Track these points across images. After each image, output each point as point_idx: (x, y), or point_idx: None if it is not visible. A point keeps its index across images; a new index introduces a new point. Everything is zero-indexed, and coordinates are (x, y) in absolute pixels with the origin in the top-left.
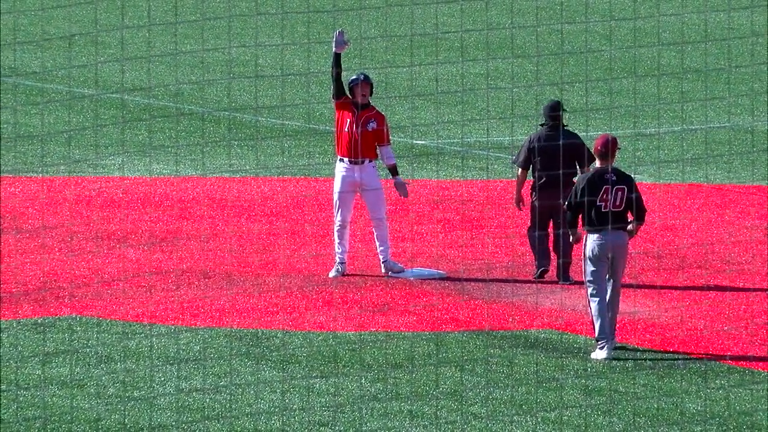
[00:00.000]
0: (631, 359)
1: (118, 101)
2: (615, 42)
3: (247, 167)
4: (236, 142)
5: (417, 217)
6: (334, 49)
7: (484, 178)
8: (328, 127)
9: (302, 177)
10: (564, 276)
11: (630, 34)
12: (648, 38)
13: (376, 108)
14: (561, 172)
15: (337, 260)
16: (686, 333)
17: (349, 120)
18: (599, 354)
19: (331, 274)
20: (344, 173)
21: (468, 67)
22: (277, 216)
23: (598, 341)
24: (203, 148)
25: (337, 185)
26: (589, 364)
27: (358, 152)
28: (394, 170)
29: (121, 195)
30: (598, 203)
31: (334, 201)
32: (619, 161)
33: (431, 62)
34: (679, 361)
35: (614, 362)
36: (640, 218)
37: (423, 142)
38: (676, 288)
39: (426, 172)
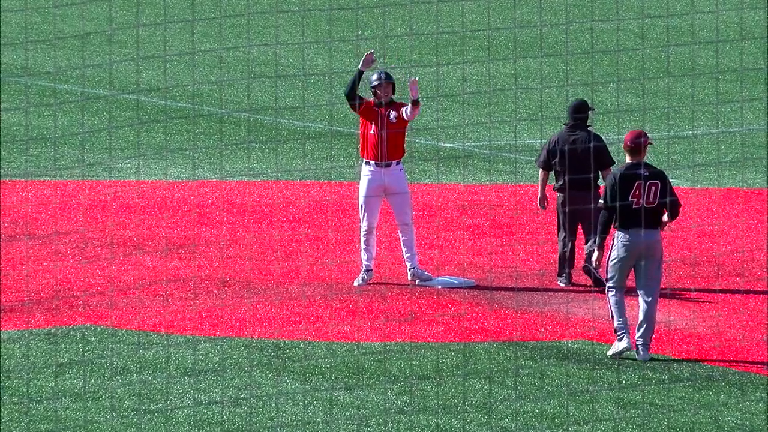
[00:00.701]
0: (667, 371)
1: (133, 102)
2: (649, 41)
3: (268, 171)
4: (256, 145)
5: (444, 223)
6: (360, 66)
7: (514, 182)
8: (351, 129)
9: (325, 181)
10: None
11: (664, 32)
12: (683, 37)
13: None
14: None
15: (363, 267)
16: (724, 343)
17: (373, 121)
18: (618, 345)
19: (356, 282)
20: (370, 176)
21: (497, 67)
22: (298, 222)
23: (616, 332)
24: (222, 150)
25: (362, 189)
26: (623, 376)
27: (384, 154)
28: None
29: (137, 200)
30: (630, 199)
31: (360, 206)
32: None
33: (458, 62)
34: (717, 373)
35: (649, 374)
36: (674, 214)
37: (450, 144)
38: (713, 296)
39: (453, 176)
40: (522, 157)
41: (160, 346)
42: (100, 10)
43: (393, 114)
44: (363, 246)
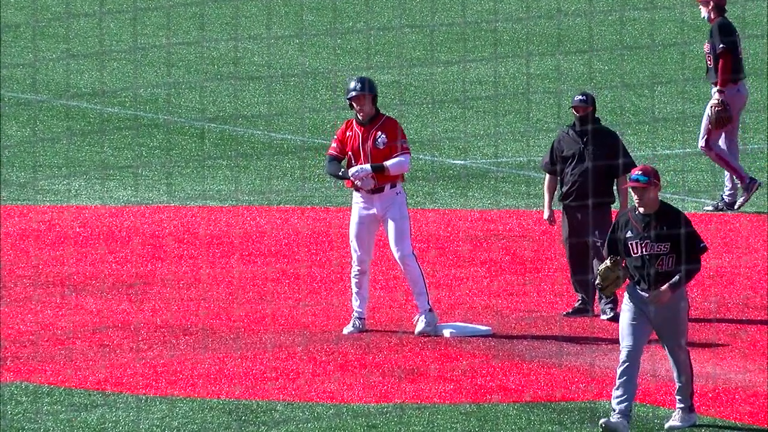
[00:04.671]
0: None
1: (73, 109)
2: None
3: (237, 194)
4: (224, 162)
5: (455, 258)
6: (348, 175)
7: (539, 207)
8: None
9: (307, 206)
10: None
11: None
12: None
13: (386, 115)
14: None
15: (355, 314)
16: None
17: (356, 143)
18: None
19: (346, 330)
20: (360, 205)
21: (518, 66)
22: (275, 256)
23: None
24: (181, 169)
25: (352, 223)
26: None
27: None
28: (380, 170)
29: (76, 229)
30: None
31: (351, 242)
32: (705, 185)
33: (470, 59)
34: None
35: None
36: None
37: (460, 162)
38: None
39: (465, 201)
40: None
41: (105, 408)
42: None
43: (381, 138)
44: (354, 289)
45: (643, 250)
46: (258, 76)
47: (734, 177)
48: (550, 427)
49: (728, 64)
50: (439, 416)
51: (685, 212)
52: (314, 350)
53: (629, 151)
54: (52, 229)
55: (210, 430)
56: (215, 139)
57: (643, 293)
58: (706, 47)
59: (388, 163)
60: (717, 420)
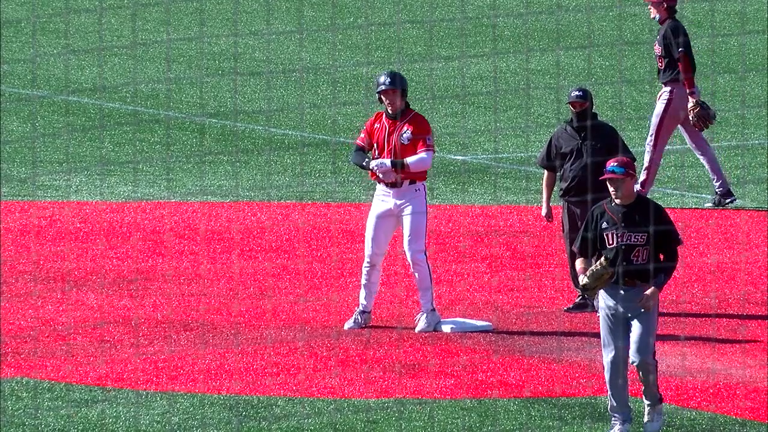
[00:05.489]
0: None
1: (73, 104)
2: (712, 29)
3: (239, 189)
4: (225, 157)
5: (456, 253)
6: (370, 168)
7: (540, 203)
8: (340, 139)
9: (309, 202)
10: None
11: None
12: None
13: (415, 111)
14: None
15: (359, 308)
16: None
17: (382, 135)
18: None
19: (347, 325)
20: (380, 199)
21: (519, 62)
22: (276, 252)
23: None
24: (183, 164)
25: (370, 215)
26: None
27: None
28: (400, 166)
29: (77, 224)
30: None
31: (365, 233)
32: (705, 180)
33: (472, 54)
34: None
35: None
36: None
37: (461, 157)
38: None
39: (466, 196)
40: None
41: (106, 403)
42: None
43: (407, 134)
44: (363, 280)
45: (620, 240)
46: (258, 71)
47: (713, 169)
48: (550, 423)
49: (688, 65)
50: (439, 411)
51: (686, 208)
52: (315, 346)
53: (630, 147)
54: (53, 224)
55: (210, 425)
56: (215, 134)
57: (619, 289)
58: (657, 49)
59: (408, 159)
60: (717, 416)
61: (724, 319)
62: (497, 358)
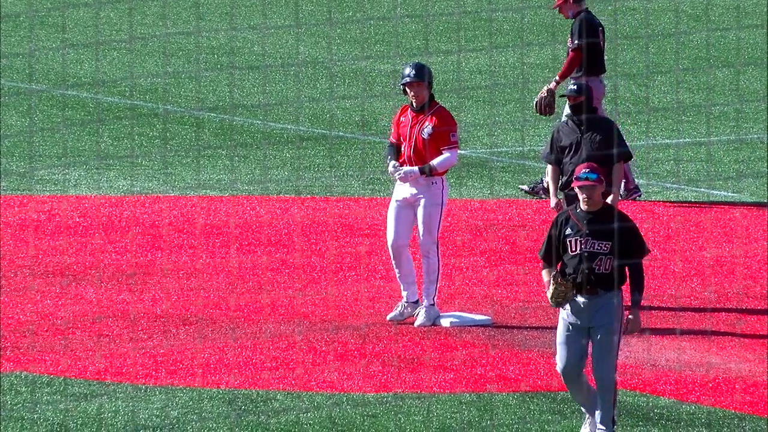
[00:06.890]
0: (726, 427)
1: (71, 98)
2: (710, 24)
3: (238, 183)
4: (223, 152)
5: (454, 247)
6: (400, 173)
7: (543, 197)
8: (340, 133)
9: (307, 196)
10: None
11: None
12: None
13: (440, 104)
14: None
15: (403, 297)
16: None
17: (405, 128)
18: None
19: (388, 316)
20: (398, 187)
21: (517, 56)
22: (275, 246)
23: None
24: (181, 159)
25: (391, 202)
26: None
27: (411, 164)
28: (429, 171)
29: (76, 219)
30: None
31: (387, 221)
32: (704, 174)
33: (472, 48)
34: None
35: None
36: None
37: (460, 151)
38: None
39: (465, 190)
40: None
41: (104, 397)
42: None
43: (428, 128)
44: (395, 272)
45: (582, 247)
46: (256, 65)
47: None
48: (549, 417)
49: (576, 62)
50: (438, 406)
51: (685, 202)
52: (313, 340)
53: (627, 141)
54: (51, 219)
55: (209, 419)
56: (213, 128)
57: (579, 299)
58: (570, 42)
59: (434, 162)
60: (716, 410)
61: (723, 314)
62: (496, 352)
